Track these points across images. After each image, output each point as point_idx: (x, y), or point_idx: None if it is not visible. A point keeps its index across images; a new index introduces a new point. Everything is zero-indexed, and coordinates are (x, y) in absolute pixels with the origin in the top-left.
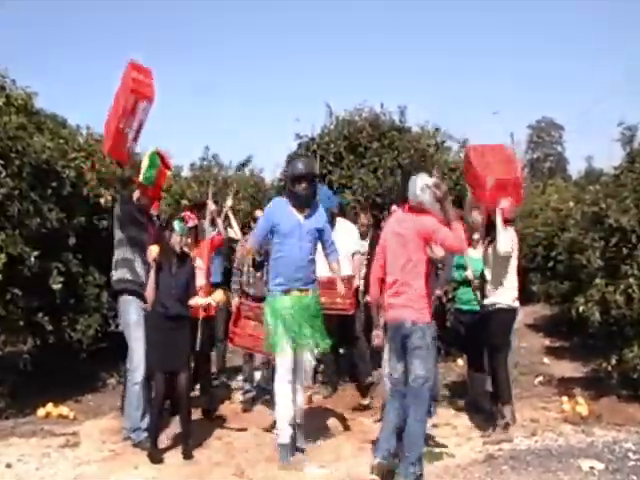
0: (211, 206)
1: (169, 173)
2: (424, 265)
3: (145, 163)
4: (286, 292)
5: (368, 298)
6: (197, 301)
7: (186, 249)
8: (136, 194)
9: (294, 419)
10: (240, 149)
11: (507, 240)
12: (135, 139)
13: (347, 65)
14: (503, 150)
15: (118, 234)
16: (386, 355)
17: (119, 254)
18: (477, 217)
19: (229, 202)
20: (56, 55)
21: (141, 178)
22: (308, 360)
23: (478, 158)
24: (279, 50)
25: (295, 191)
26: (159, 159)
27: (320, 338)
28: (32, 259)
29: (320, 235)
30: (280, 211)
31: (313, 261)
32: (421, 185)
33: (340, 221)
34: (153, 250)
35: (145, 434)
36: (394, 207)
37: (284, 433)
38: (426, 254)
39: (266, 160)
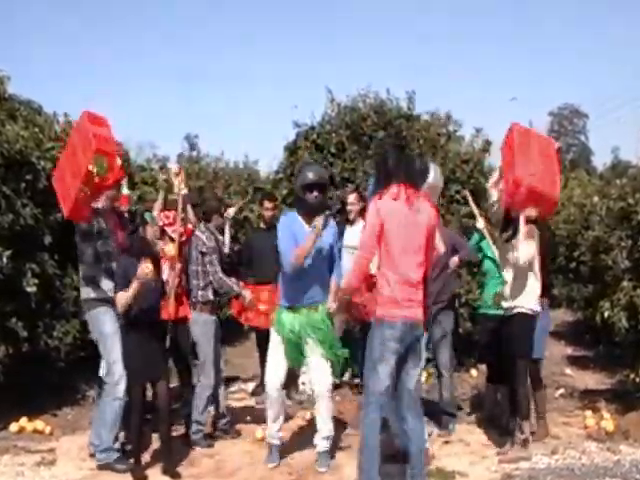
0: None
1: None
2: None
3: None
4: (292, 308)
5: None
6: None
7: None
8: (103, 199)
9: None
10: (236, 140)
11: (528, 252)
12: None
13: (350, 47)
14: (551, 147)
15: (80, 248)
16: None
17: (83, 270)
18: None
19: (180, 186)
20: (30, 37)
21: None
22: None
23: (522, 142)
24: (274, 31)
25: (306, 199)
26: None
27: (332, 353)
28: (4, 259)
29: (329, 250)
30: (294, 224)
31: (325, 275)
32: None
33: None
34: (146, 268)
35: (118, 453)
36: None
37: (274, 434)
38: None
39: (262, 151)
